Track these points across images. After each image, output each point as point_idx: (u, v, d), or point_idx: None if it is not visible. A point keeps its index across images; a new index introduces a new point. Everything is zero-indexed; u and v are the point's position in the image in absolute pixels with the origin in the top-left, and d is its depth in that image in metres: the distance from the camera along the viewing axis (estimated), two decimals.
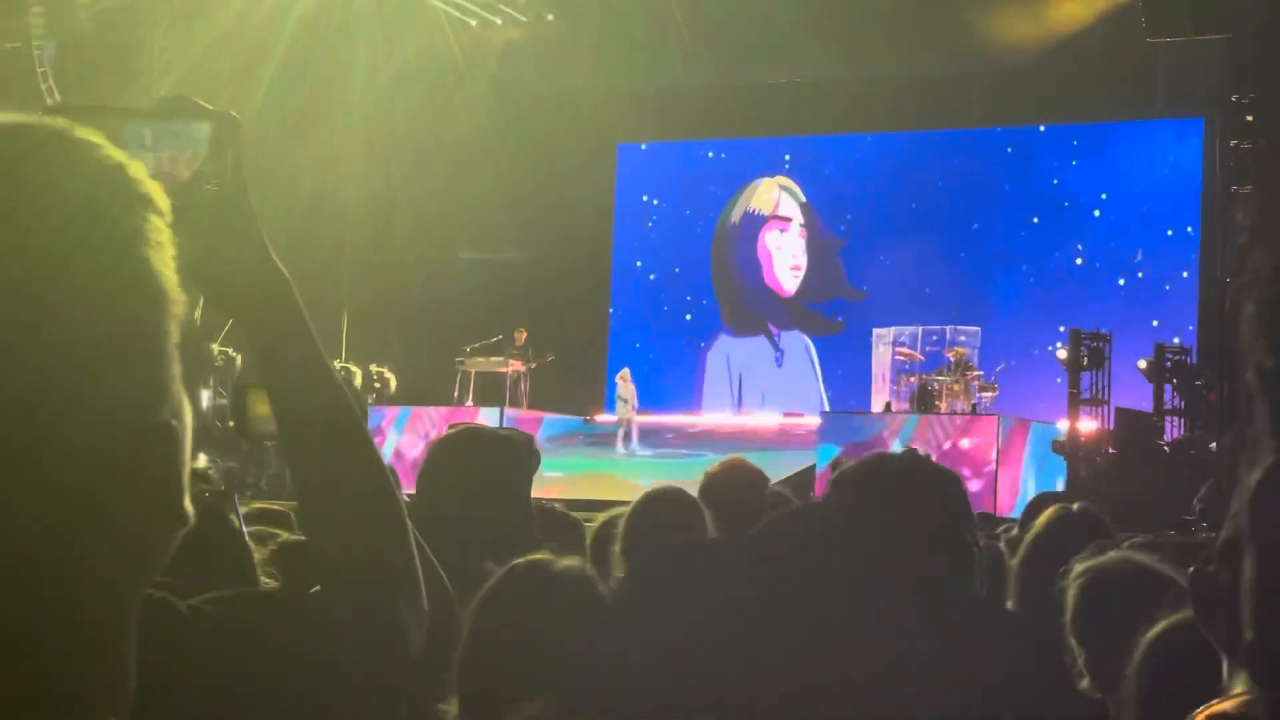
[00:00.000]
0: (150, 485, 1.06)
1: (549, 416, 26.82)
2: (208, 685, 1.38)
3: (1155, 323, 26.61)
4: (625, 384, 26.87)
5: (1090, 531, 4.55)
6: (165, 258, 1.07)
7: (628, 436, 26.16)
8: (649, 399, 27.67)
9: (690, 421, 28.24)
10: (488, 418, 25.19)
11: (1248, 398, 0.88)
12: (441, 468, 3.76)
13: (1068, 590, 3.42)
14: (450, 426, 4.10)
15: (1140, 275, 27.95)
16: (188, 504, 1.09)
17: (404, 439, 23.98)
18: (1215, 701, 2.14)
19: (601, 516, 5.44)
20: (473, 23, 29.40)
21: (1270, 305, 0.87)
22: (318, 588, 1.66)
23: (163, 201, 1.09)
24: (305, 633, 1.53)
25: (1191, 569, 2.10)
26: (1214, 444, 21.21)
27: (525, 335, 26.78)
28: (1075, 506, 4.88)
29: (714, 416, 29.11)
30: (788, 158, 31.11)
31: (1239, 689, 2.12)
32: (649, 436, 26.30)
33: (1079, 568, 3.45)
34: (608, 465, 24.76)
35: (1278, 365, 0.88)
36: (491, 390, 26.55)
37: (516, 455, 3.80)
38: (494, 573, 3.44)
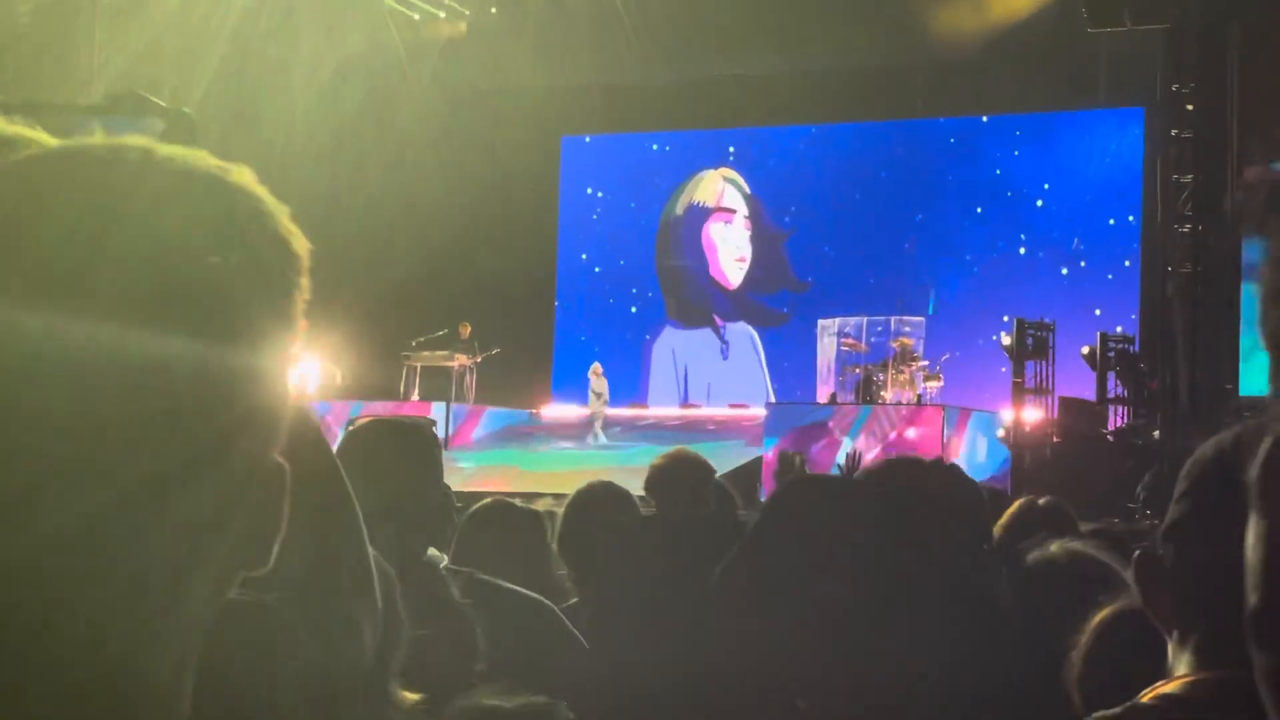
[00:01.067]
0: (255, 525, 1.05)
1: (495, 410, 26.79)
2: None
3: (1098, 311, 26.77)
4: (597, 378, 26.83)
5: (1056, 526, 4.57)
6: (301, 306, 1.07)
7: (598, 430, 26.15)
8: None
9: (636, 414, 28.24)
10: (435, 412, 25.14)
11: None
12: (354, 463, 3.74)
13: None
14: (349, 421, 4.07)
15: (1083, 264, 28.11)
16: (275, 550, 1.07)
17: None
18: (1160, 683, 2.15)
19: (541, 505, 5.44)
20: (416, 16, 29.29)
21: None
22: (276, 594, 1.66)
23: (304, 249, 1.09)
24: (264, 637, 1.52)
25: (1137, 552, 2.11)
26: (1156, 432, 21.37)
27: (470, 329, 26.73)
28: (1041, 501, 4.91)
29: (660, 409, 29.11)
30: (732, 150, 31.16)
31: (1183, 670, 2.13)
32: (585, 427, 26.34)
33: (1028, 559, 3.47)
34: (552, 459, 24.73)
35: None
36: (438, 384, 26.48)
37: (423, 441, 3.79)
38: (437, 561, 3.43)
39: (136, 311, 0.97)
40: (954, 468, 3.47)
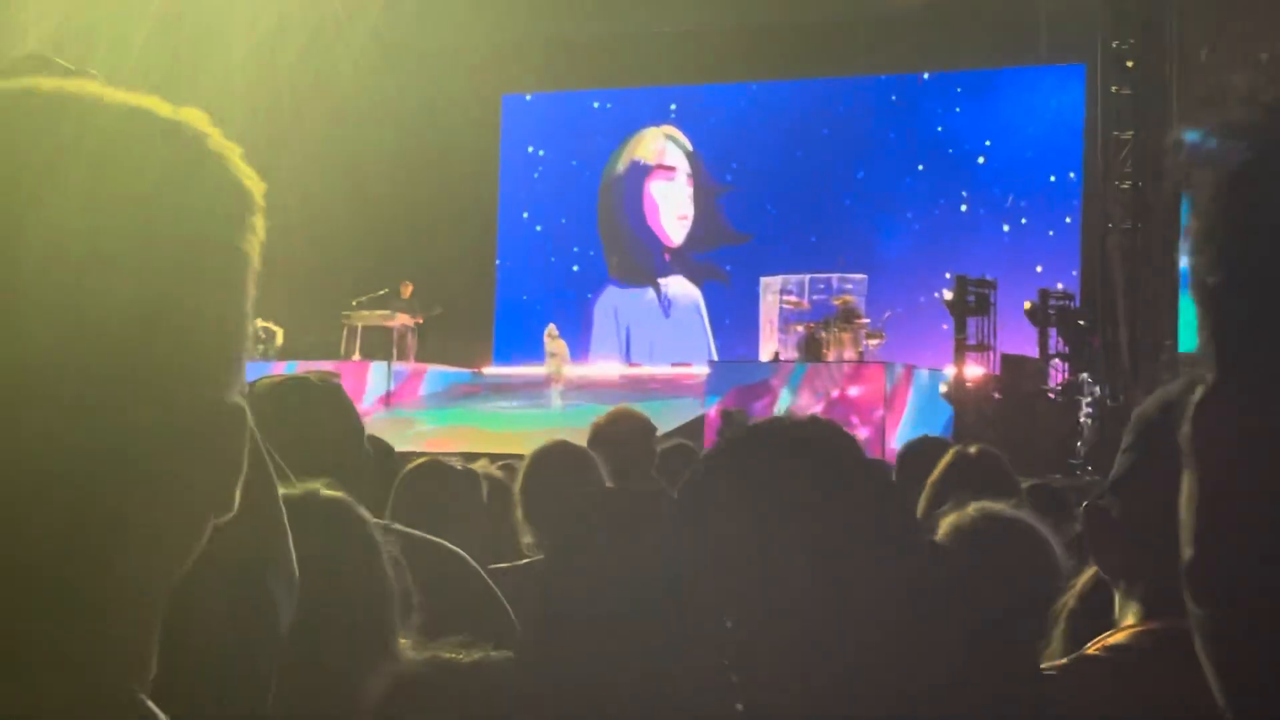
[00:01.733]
0: (215, 468, 1.05)
1: (437, 369, 26.72)
2: None
3: (1039, 268, 26.89)
4: (553, 340, 26.56)
5: (988, 476, 4.56)
6: (256, 246, 1.07)
7: (560, 392, 25.80)
8: (535, 352, 27.56)
9: (579, 374, 28.24)
10: (376, 372, 25.06)
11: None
12: (272, 423, 3.67)
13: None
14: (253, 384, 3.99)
15: (1024, 221, 28.22)
16: (238, 494, 1.07)
17: None
18: (1107, 634, 2.15)
19: (478, 466, 5.40)
20: None
21: (1213, 217, 0.86)
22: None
23: (258, 189, 1.08)
24: (175, 614, 1.48)
25: (1084, 504, 2.12)
26: (1097, 388, 21.50)
27: (411, 289, 26.62)
28: (973, 450, 4.88)
29: (602, 368, 29.10)
30: (673, 107, 31.10)
31: (1129, 620, 2.13)
32: (535, 389, 26.20)
33: (943, 524, 3.44)
34: (487, 419, 24.69)
35: (1219, 284, 0.87)
36: (378, 344, 26.39)
37: (343, 398, 3.74)
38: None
39: (89, 253, 0.97)
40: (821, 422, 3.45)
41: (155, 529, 1.02)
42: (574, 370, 27.08)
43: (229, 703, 1.52)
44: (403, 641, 2.72)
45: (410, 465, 4.99)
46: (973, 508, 3.39)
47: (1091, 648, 2.17)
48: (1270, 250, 0.84)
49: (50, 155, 0.99)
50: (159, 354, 0.99)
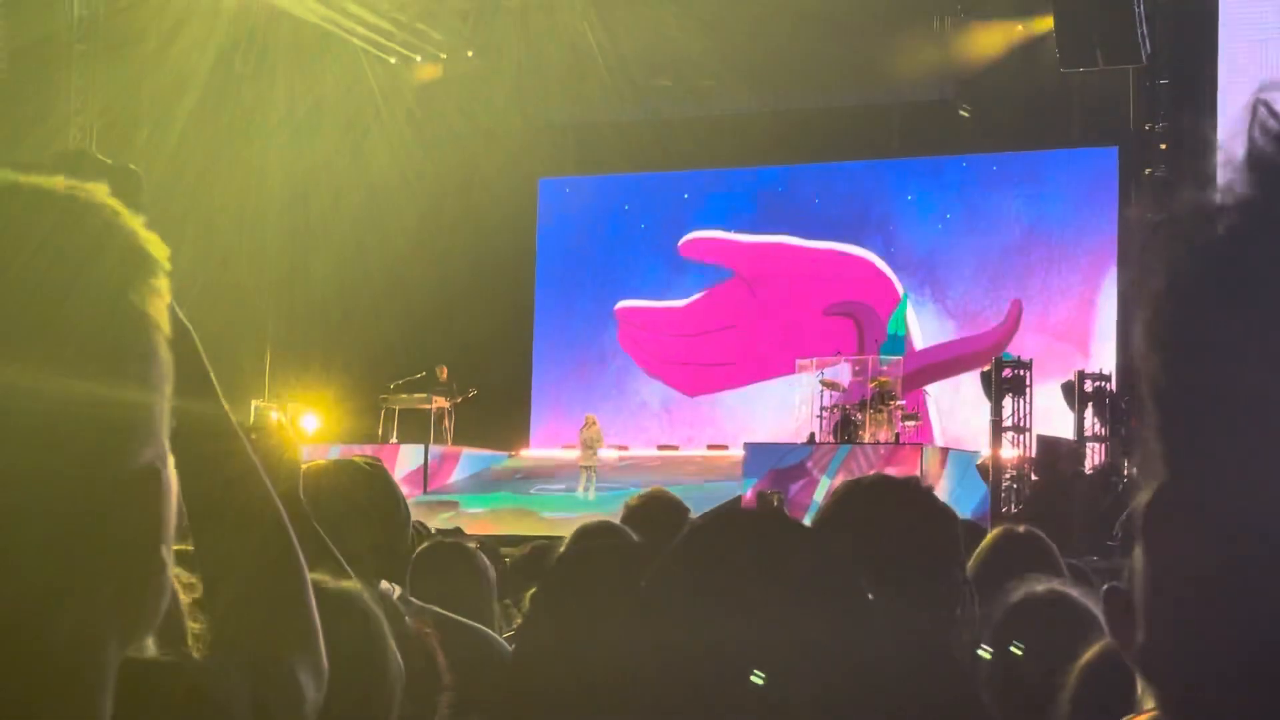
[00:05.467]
0: (132, 530, 1.06)
1: (473, 452, 26.74)
2: None
3: (1076, 350, 26.80)
4: (589, 429, 26.14)
5: (1034, 554, 4.54)
6: (161, 307, 1.09)
7: (591, 482, 25.47)
8: (572, 435, 27.49)
9: (615, 455, 28.21)
10: (413, 454, 25.10)
11: (1142, 414, 0.92)
12: (324, 505, 3.72)
13: (998, 616, 3.42)
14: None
15: (1061, 302, 28.14)
16: (167, 553, 1.08)
17: None
18: (1128, 718, 2.17)
19: (517, 551, 5.42)
20: (392, 60, 29.37)
21: (1162, 323, 0.90)
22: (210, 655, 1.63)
23: (161, 254, 1.11)
24: (197, 700, 1.49)
25: (1105, 586, 2.13)
26: (1134, 469, 21.39)
27: (447, 371, 26.69)
28: (1021, 529, 4.87)
29: (639, 450, 29.05)
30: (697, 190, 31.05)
31: (1150, 705, 2.15)
32: (573, 471, 26.12)
33: (1014, 598, 3.46)
34: (530, 501, 24.69)
35: (1169, 384, 0.90)
36: (416, 427, 26.45)
37: (389, 482, 3.78)
38: (390, 593, 3.41)
39: None
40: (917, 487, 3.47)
41: (83, 592, 1.03)
42: (608, 456, 26.86)
43: None
44: None
45: (422, 546, 5.02)
46: (1043, 587, 3.41)
47: None
48: (1216, 360, 0.87)
49: None
50: (70, 420, 1.02)
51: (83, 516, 1.03)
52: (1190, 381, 0.88)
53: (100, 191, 1.11)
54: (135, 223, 1.10)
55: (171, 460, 1.11)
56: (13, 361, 1.00)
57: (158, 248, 1.11)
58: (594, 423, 26.21)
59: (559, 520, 20.46)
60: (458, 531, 12.93)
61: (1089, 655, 2.85)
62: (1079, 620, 3.25)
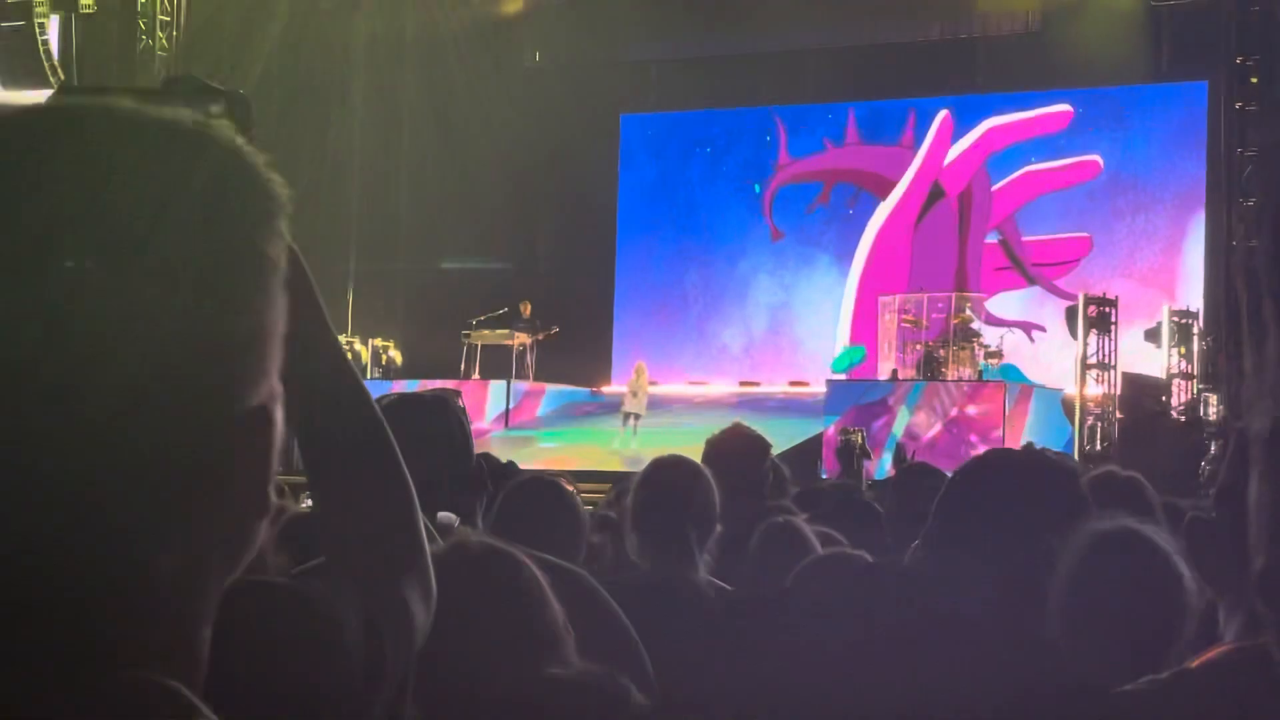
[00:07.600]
0: (242, 472, 1.07)
1: (554, 388, 26.80)
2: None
3: (1163, 287, 26.51)
4: (638, 377, 25.94)
5: (1129, 495, 4.47)
6: (281, 250, 1.10)
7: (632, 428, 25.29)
8: (655, 371, 27.38)
9: (696, 391, 28.20)
10: (495, 390, 25.20)
11: (1263, 331, 0.89)
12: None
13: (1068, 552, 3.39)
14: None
15: (1147, 239, 27.82)
16: (272, 493, 1.10)
17: None
18: (1210, 649, 2.15)
19: (599, 495, 5.41)
20: None
21: None
22: (320, 560, 1.65)
23: (284, 195, 1.11)
24: (307, 617, 1.51)
25: (1188, 516, 2.10)
26: (1222, 407, 21.19)
27: (530, 307, 26.72)
28: (1123, 473, 4.79)
29: (719, 386, 29.02)
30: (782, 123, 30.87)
31: (1231, 636, 2.12)
32: (655, 405, 26.05)
33: (1084, 533, 3.42)
34: (611, 437, 24.74)
35: None
36: (498, 363, 26.52)
37: (459, 413, 3.79)
38: (450, 523, 3.40)
39: (120, 263, 1.01)
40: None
41: (190, 530, 1.04)
42: (677, 389, 26.56)
43: (361, 708, 1.54)
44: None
45: (513, 481, 5.01)
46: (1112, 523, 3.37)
47: (1194, 663, 2.16)
48: None
49: (82, 168, 1.03)
50: (186, 359, 1.02)
51: (194, 455, 1.03)
52: None
53: (227, 128, 1.11)
54: (259, 160, 1.10)
55: (282, 399, 1.11)
56: (135, 299, 1.01)
57: (281, 188, 1.11)
58: (643, 370, 25.98)
59: (630, 454, 20.49)
60: (552, 471, 12.96)
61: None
62: (1161, 557, 3.22)
